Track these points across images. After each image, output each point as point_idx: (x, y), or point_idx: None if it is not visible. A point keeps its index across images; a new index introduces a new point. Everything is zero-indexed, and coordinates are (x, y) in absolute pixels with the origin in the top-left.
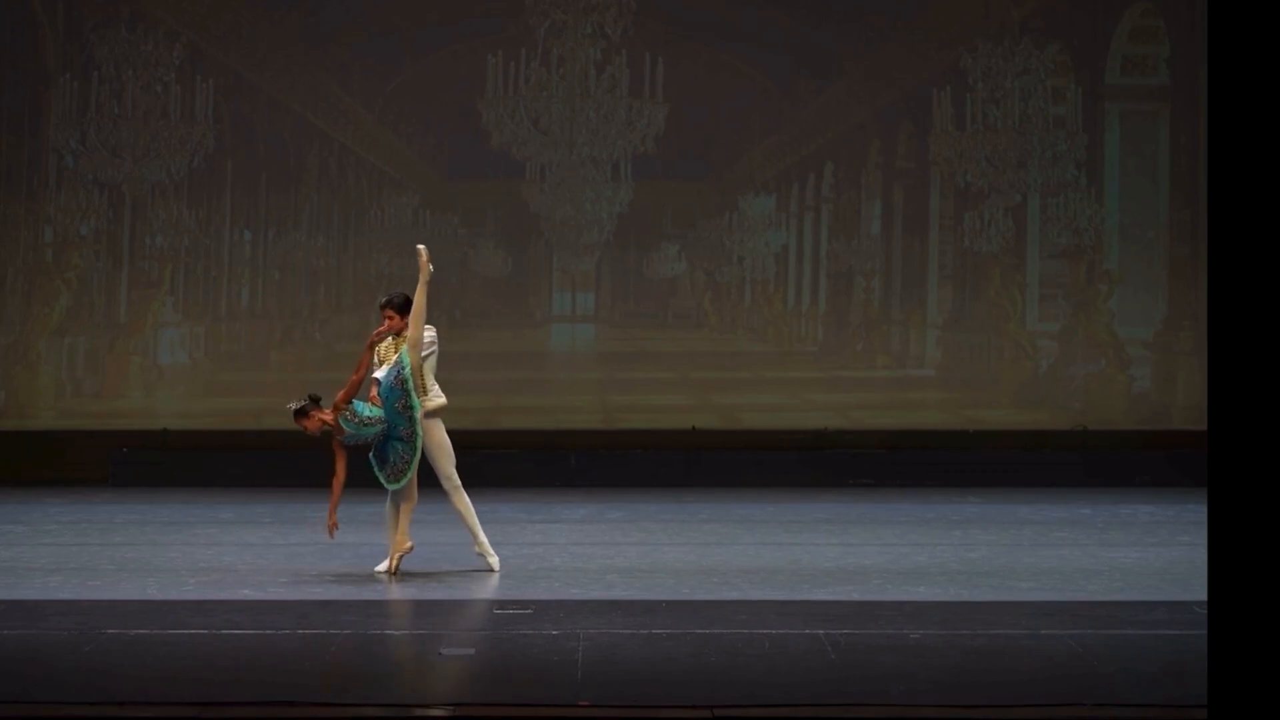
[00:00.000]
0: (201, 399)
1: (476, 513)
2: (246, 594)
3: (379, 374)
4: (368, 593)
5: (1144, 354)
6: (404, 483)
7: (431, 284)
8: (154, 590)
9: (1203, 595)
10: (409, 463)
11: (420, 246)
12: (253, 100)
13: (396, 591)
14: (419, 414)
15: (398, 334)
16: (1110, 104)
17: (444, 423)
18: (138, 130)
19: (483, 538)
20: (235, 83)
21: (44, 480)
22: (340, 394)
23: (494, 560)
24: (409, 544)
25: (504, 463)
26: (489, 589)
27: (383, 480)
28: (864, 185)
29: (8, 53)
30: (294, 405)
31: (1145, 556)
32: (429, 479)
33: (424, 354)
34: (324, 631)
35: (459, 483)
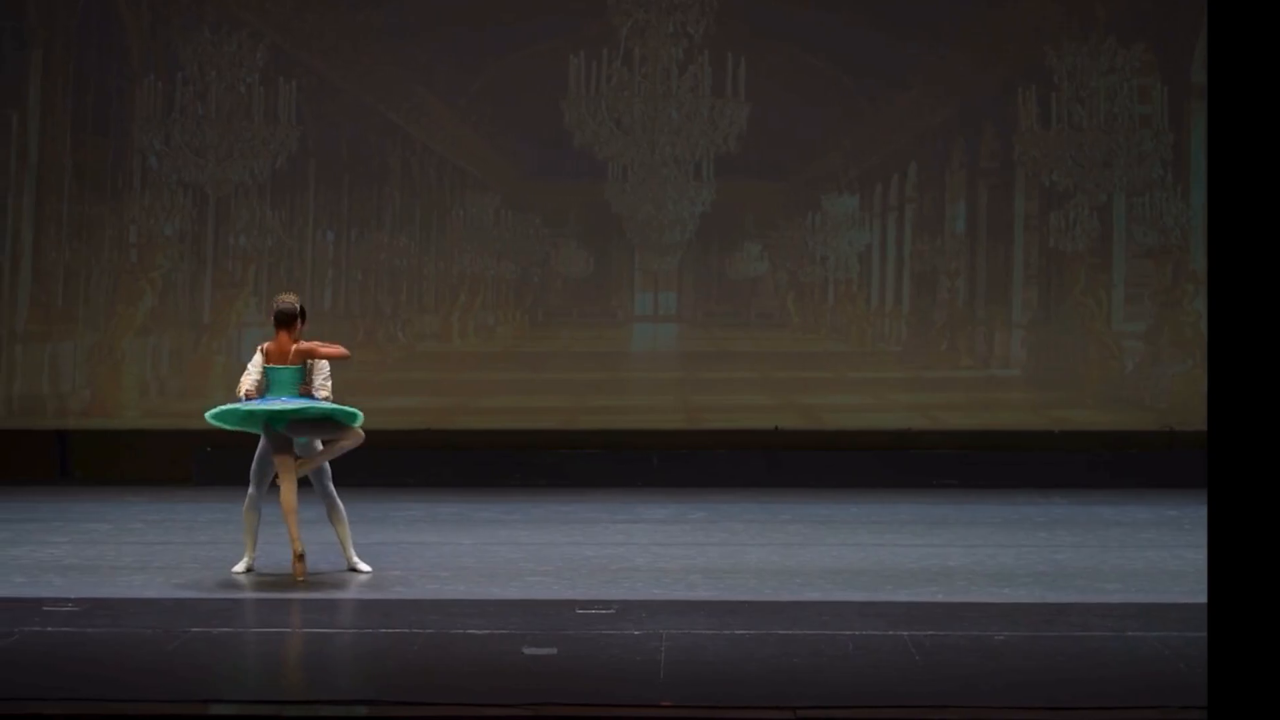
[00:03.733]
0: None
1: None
2: (330, 593)
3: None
4: (450, 591)
5: None
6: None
7: (516, 283)
8: (237, 589)
9: None
10: None
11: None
12: (335, 101)
13: (479, 591)
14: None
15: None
16: (1197, 102)
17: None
18: (221, 131)
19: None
20: (318, 83)
21: (128, 479)
22: None
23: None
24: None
25: (586, 462)
26: (571, 589)
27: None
28: (948, 184)
29: (93, 54)
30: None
31: None
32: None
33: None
34: (407, 630)
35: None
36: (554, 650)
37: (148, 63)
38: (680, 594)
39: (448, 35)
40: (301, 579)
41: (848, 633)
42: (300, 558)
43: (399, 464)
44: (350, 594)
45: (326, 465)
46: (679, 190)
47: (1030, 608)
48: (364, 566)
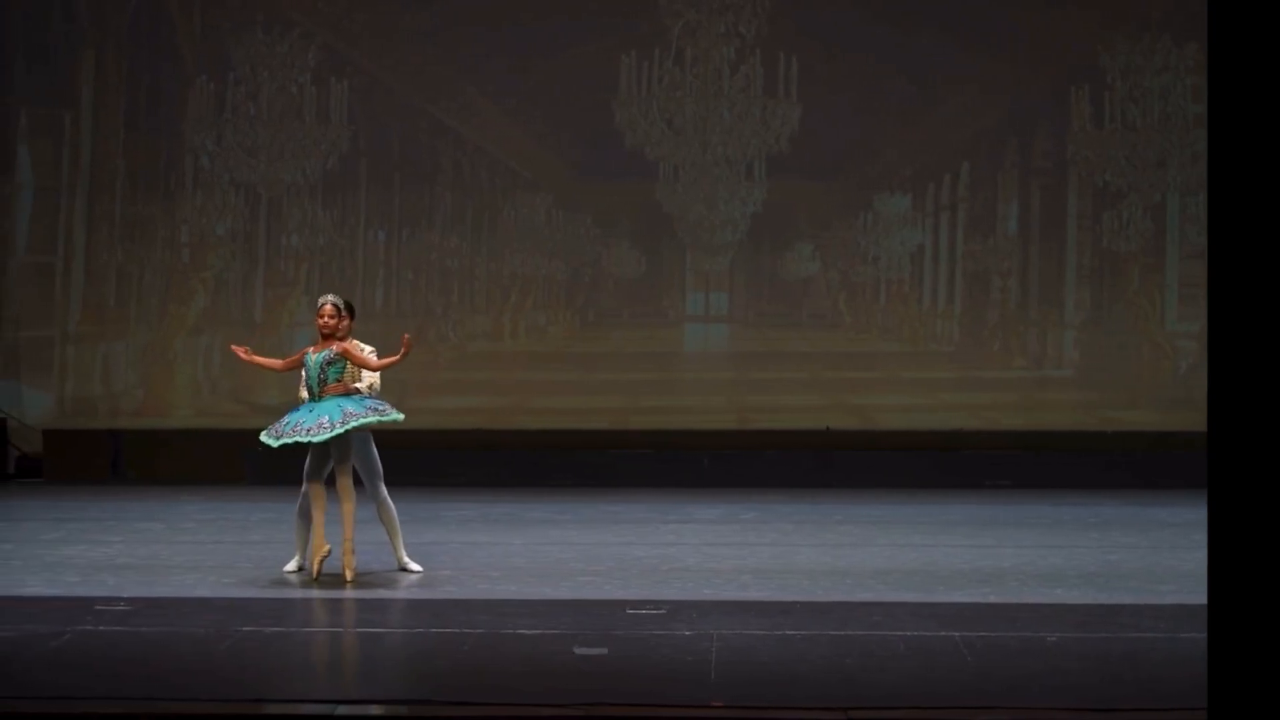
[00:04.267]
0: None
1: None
2: (381, 592)
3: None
4: (501, 591)
5: None
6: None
7: (567, 283)
8: (289, 588)
9: None
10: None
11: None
12: (387, 100)
13: (530, 591)
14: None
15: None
16: None
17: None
18: (273, 131)
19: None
20: (369, 83)
21: (180, 478)
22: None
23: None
24: (326, 547)
25: (637, 463)
26: (622, 589)
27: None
28: (1001, 184)
29: (145, 55)
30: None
31: None
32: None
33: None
34: (458, 630)
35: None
36: (605, 650)
37: (200, 63)
38: (731, 594)
39: (498, 35)
40: (351, 577)
41: (899, 633)
42: (348, 553)
43: (450, 464)
44: (401, 594)
45: (379, 467)
46: (730, 190)
47: (1082, 609)
48: (415, 566)
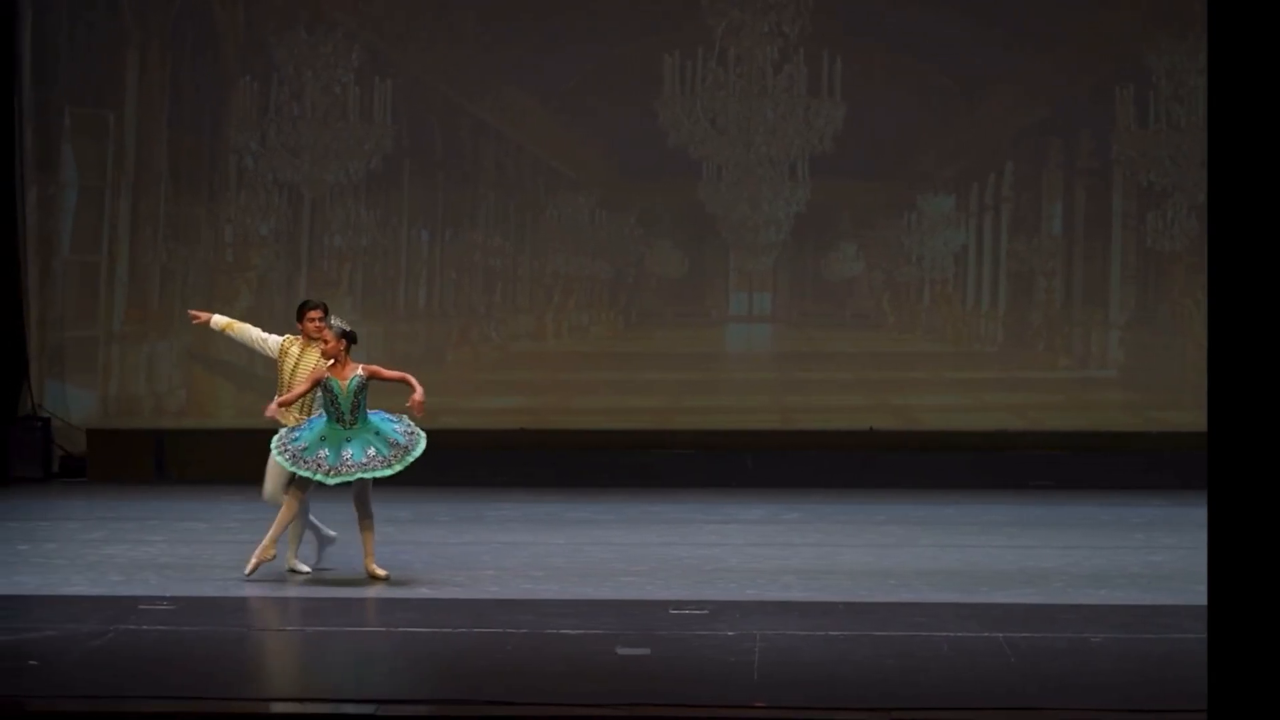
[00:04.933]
0: (379, 398)
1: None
2: (423, 592)
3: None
4: (544, 591)
5: None
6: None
7: (610, 283)
8: (331, 587)
9: None
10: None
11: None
12: (429, 100)
13: (572, 591)
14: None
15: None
16: None
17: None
18: (317, 131)
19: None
20: (412, 83)
21: (223, 478)
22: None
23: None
24: (273, 552)
25: (679, 463)
26: (665, 589)
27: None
28: (1045, 184)
29: (188, 56)
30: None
31: None
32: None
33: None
34: (499, 630)
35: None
36: (647, 651)
37: (243, 63)
38: (774, 595)
39: (541, 35)
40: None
41: (942, 634)
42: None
43: (493, 464)
44: (443, 593)
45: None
46: (774, 190)
47: (1126, 610)
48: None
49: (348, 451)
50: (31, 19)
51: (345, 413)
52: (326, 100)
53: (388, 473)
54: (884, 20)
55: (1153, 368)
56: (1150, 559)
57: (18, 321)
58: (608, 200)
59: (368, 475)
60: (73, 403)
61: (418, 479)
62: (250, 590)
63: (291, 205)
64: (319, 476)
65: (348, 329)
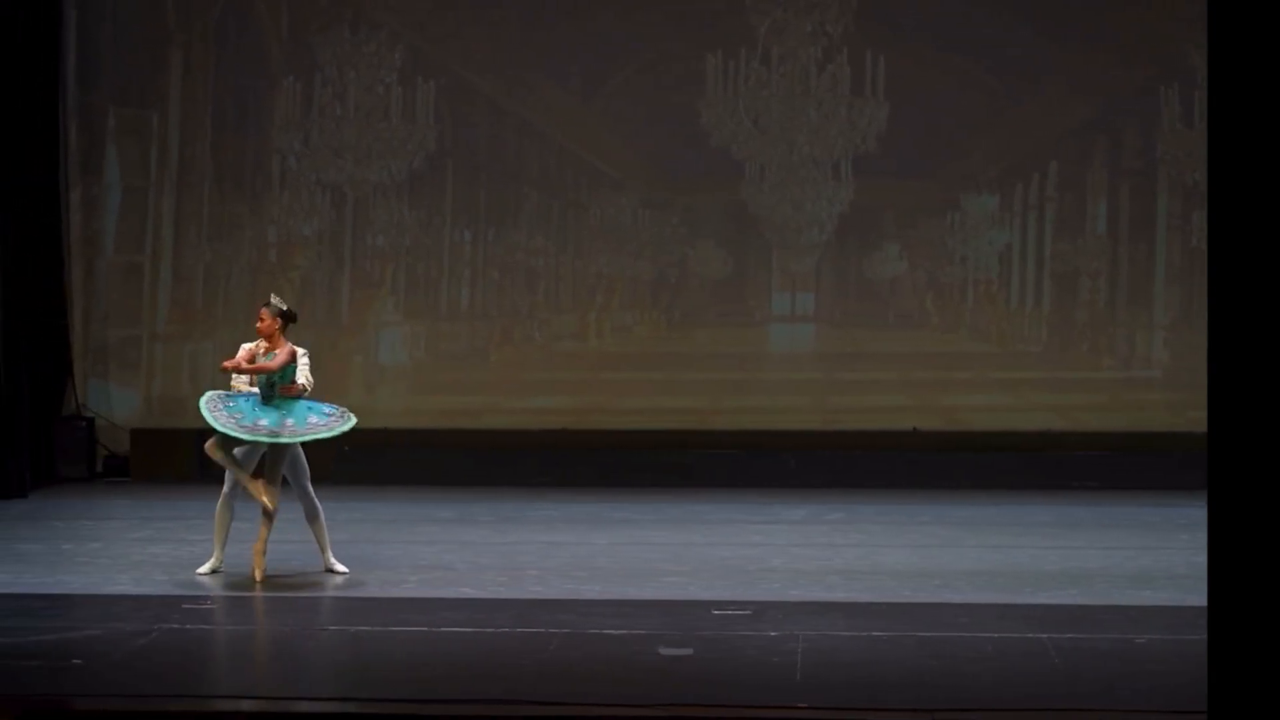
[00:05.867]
0: (421, 398)
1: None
2: (466, 592)
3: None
4: (586, 591)
5: None
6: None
7: (653, 283)
8: (374, 587)
9: None
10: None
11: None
12: (472, 100)
13: (614, 591)
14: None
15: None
16: None
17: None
18: (360, 131)
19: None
20: (455, 83)
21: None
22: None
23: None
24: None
25: (722, 463)
26: (707, 590)
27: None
28: (1089, 184)
29: (231, 56)
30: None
31: None
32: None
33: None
34: (542, 630)
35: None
36: (690, 651)
37: (286, 64)
38: (817, 595)
39: (583, 34)
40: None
41: (986, 635)
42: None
43: (535, 464)
44: (486, 593)
45: (304, 464)
46: (817, 190)
47: (1171, 611)
48: (341, 568)
49: (289, 420)
50: (75, 20)
51: (263, 386)
52: (370, 100)
53: (328, 435)
54: (927, 20)
55: (1197, 368)
56: (1195, 560)
57: (62, 322)
58: (650, 200)
59: (309, 438)
60: (116, 402)
61: (460, 479)
62: (293, 590)
63: (334, 205)
64: (261, 437)
65: (285, 308)
